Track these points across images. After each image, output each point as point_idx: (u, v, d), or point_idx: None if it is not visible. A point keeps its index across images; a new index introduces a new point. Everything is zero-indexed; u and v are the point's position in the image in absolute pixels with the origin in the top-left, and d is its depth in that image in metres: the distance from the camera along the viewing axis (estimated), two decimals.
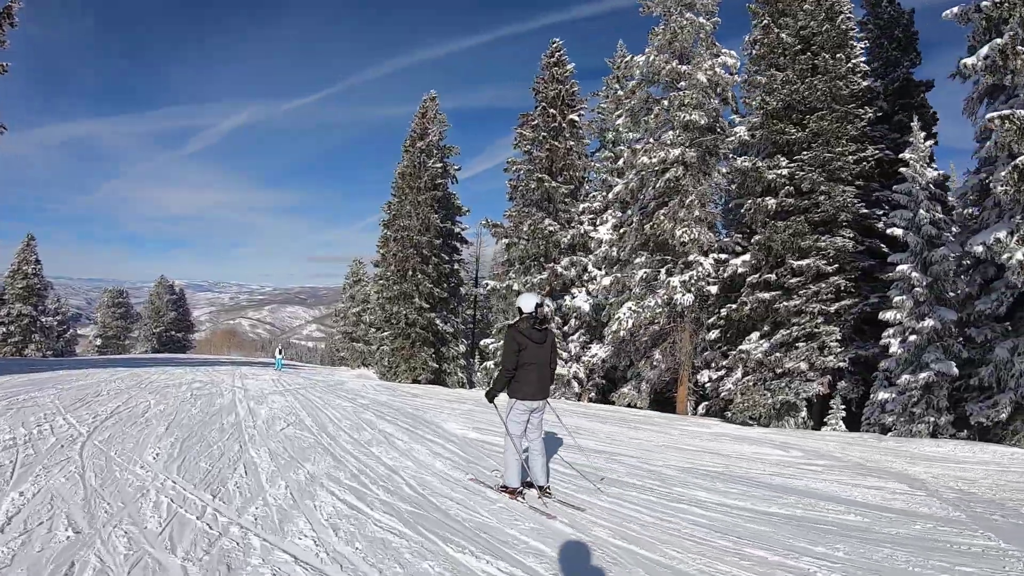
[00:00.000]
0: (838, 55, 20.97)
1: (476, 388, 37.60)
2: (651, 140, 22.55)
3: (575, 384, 28.87)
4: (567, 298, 29.87)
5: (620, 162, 24.28)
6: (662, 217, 21.67)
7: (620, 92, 32.39)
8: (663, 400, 25.16)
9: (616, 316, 22.18)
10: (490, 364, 31.17)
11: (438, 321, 34.66)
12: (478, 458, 9.23)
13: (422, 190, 35.03)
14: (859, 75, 21.77)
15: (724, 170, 23.12)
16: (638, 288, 22.10)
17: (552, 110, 30.47)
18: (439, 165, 35.89)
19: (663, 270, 22.29)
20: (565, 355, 29.09)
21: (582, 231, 30.33)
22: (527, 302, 6.64)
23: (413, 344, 34.06)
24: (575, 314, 30.04)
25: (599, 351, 24.94)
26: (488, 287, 30.99)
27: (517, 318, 6.78)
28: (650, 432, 15.17)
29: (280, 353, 43.55)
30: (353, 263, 61.03)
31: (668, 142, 21.98)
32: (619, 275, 23.26)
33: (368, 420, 12.83)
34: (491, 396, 6.81)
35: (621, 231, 23.79)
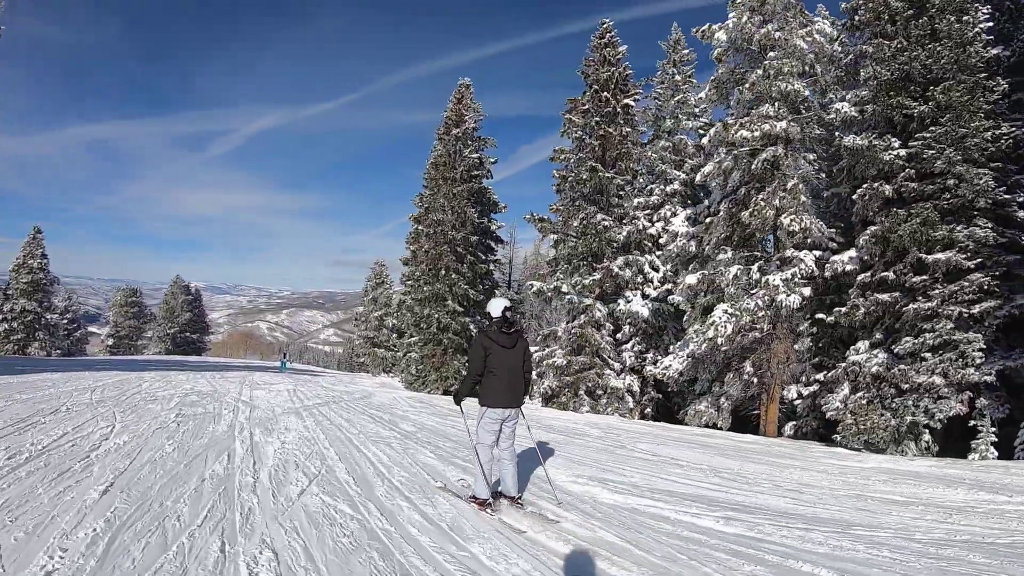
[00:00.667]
0: (964, 18, 17.54)
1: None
2: (748, 114, 19.11)
3: (629, 399, 25.52)
4: (620, 302, 26.54)
5: (705, 140, 20.65)
6: (762, 203, 18.18)
7: (677, 77, 29.35)
8: (738, 419, 21.70)
9: (710, 320, 18.49)
10: (532, 374, 27.86)
11: (472, 326, 31.32)
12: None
13: (457, 181, 31.60)
14: (982, 44, 18.32)
15: (815, 155, 19.76)
16: (732, 287, 18.61)
17: (605, 93, 27.13)
18: (475, 155, 32.47)
19: (754, 267, 18.85)
20: (618, 366, 25.83)
21: (639, 227, 27.04)
22: (495, 307, 6.63)
23: (445, 351, 30.60)
24: (629, 320, 26.78)
25: (672, 362, 21.41)
26: (533, 288, 27.49)
27: (488, 324, 6.69)
28: (797, 470, 11.50)
29: (285, 357, 45.56)
30: (375, 265, 58.62)
31: (770, 115, 18.53)
32: (704, 273, 19.69)
33: (430, 466, 9.04)
34: (457, 399, 6.75)
35: (707, 221, 20.16)
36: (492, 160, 33.49)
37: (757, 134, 18.14)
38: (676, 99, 29.11)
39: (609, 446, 13.45)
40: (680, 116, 29.09)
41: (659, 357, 26.50)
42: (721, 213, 19.60)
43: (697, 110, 29.20)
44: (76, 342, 63.51)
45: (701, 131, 28.86)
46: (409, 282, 32.49)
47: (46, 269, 54.01)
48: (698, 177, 20.08)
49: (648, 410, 27.10)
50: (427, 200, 32.50)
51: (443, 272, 30.71)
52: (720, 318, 17.97)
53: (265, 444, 9.54)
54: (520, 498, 6.67)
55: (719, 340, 17.91)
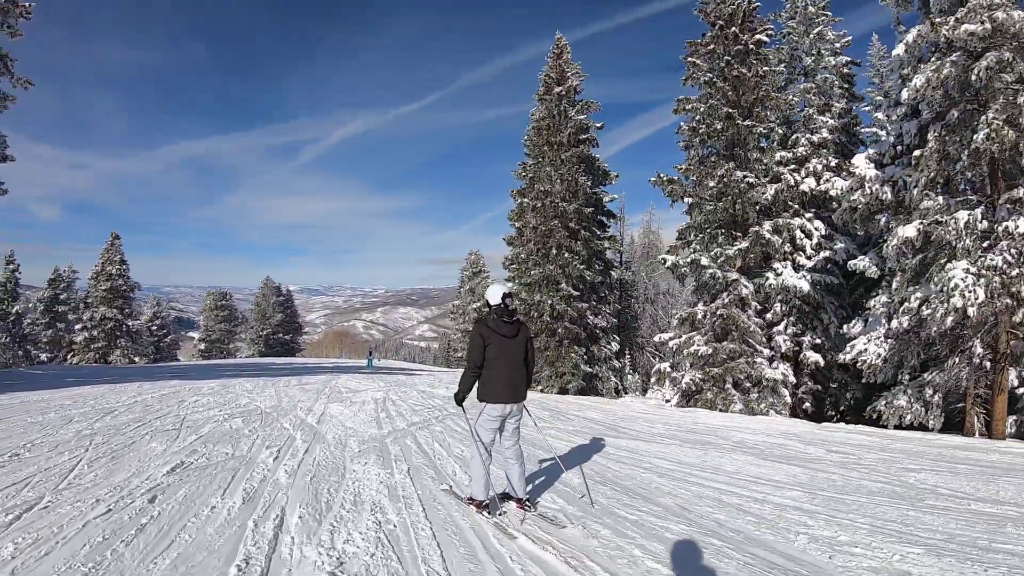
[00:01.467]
0: None
1: (632, 396, 30.22)
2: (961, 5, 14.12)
3: (784, 391, 20.93)
4: (769, 275, 22.06)
5: (898, 51, 15.33)
6: (997, 122, 13.16)
7: (811, 8, 24.91)
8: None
9: (949, 284, 13.43)
10: (665, 366, 23.51)
11: (589, 314, 27.01)
12: None
13: (564, 146, 27.38)
14: None
15: None
16: (967, 240, 13.68)
17: (732, 29, 22.66)
18: (581, 117, 28.06)
19: (977, 212, 13.88)
20: (767, 352, 21.28)
21: (790, 183, 22.36)
22: (493, 293, 6.07)
23: (560, 343, 26.42)
24: (780, 297, 22.26)
25: (869, 345, 16.55)
26: (666, 263, 23.03)
27: (486, 312, 6.20)
28: None
29: (371, 354, 45.81)
30: (471, 254, 55.02)
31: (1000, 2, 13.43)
32: (921, 224, 14.62)
33: None
34: (459, 398, 6.18)
35: (918, 155, 15.00)
36: (598, 125, 28.87)
37: (988, 27, 13.16)
38: (815, 32, 24.59)
39: (876, 482, 8.49)
40: (822, 52, 24.63)
41: (819, 339, 22.52)
42: (931, 144, 14.65)
43: (838, 45, 24.58)
44: (167, 348, 62.69)
45: (846, 69, 25.20)
46: (513, 266, 28.17)
47: (126, 275, 52.64)
48: (904, 94, 14.90)
49: (806, 404, 22.56)
50: (531, 170, 28.22)
51: (554, 251, 26.57)
52: (963, 281, 13.05)
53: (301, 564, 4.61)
54: (527, 500, 6.13)
55: (971, 310, 12.96)
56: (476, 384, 6.01)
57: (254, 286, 76.01)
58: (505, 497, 6.31)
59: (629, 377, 33.84)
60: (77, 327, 50.30)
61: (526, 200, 27.52)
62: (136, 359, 51.13)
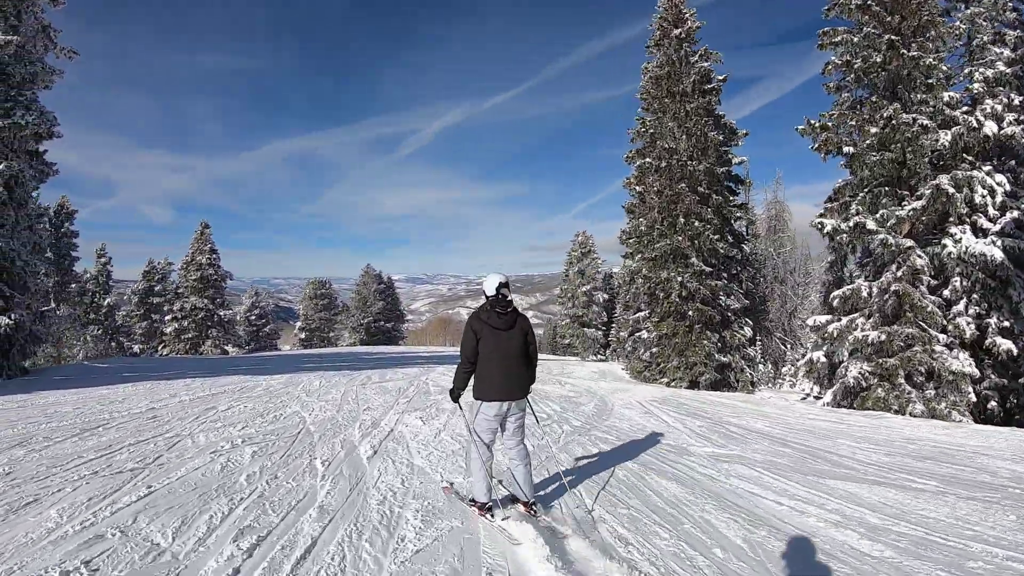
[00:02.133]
0: None
1: (767, 390, 26.51)
2: None
3: (966, 387, 16.77)
4: (947, 242, 17.83)
5: None
6: None
7: None
8: None
9: None
10: (818, 355, 19.51)
11: (723, 295, 23.08)
12: None
13: (688, 96, 23.39)
14: None
15: None
16: None
17: None
18: (704, 64, 23.82)
19: None
20: (944, 337, 17.10)
21: (971, 126, 18.02)
22: (489, 284, 5.71)
23: (691, 328, 22.57)
24: (960, 268, 18.08)
25: None
26: (824, 229, 18.74)
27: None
28: None
29: None
30: (579, 234, 51.14)
31: None
32: None
33: None
34: (454, 395, 5.91)
35: None
36: (721, 78, 24.57)
37: None
38: None
39: None
40: None
41: (1006, 322, 18.27)
42: None
43: None
44: (266, 337, 62.03)
45: None
46: (631, 240, 24.30)
47: (216, 265, 51.24)
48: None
49: (992, 404, 18.40)
50: (650, 125, 24.30)
51: (682, 219, 22.72)
52: None
53: None
54: (534, 504, 5.77)
55: None
56: (472, 381, 5.72)
57: (359, 276, 74.51)
58: (513, 500, 5.96)
59: (760, 367, 29.78)
60: (167, 317, 49.53)
61: (647, 161, 23.63)
62: (229, 348, 50.05)
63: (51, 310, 37.74)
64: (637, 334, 25.35)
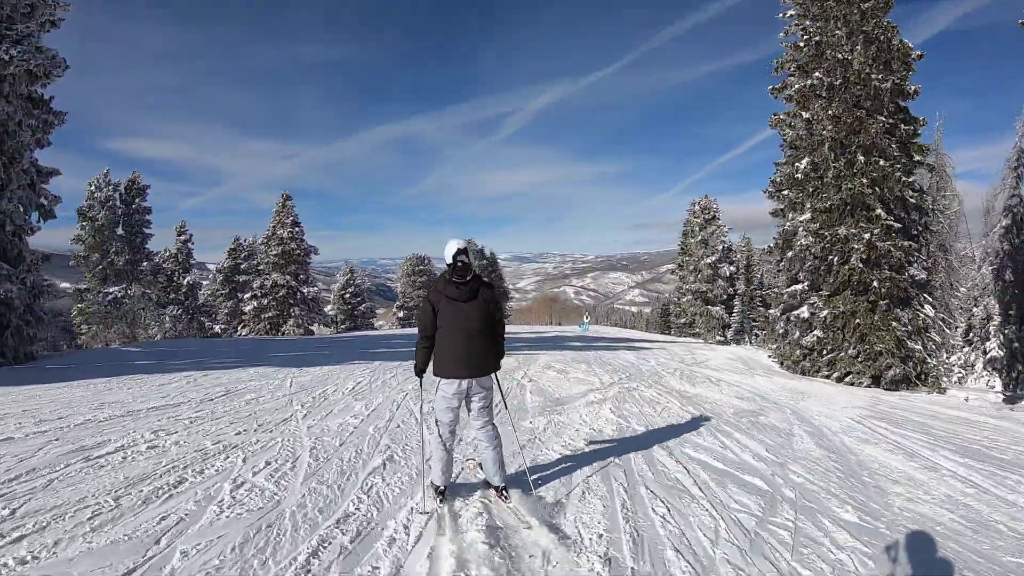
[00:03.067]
0: None
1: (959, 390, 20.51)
2: None
3: None
4: None
5: None
6: None
7: None
8: None
9: None
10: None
11: (910, 260, 16.80)
12: None
13: None
14: None
15: None
16: None
17: None
18: None
19: None
20: None
21: None
22: (447, 250, 5.11)
23: (874, 305, 16.28)
24: None
25: None
26: None
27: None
28: None
29: (587, 318, 48.14)
30: (698, 201, 44.74)
31: None
32: None
33: None
34: (416, 370, 5.24)
35: None
36: None
37: None
38: None
39: None
40: None
41: None
42: None
43: None
44: (362, 316, 58.36)
45: None
46: (787, 191, 18.11)
47: (299, 239, 46.84)
48: None
49: None
50: (814, 32, 17.63)
51: (862, 156, 16.35)
52: None
53: None
54: (505, 489, 5.19)
55: None
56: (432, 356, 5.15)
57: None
58: (487, 484, 5.39)
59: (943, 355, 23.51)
60: (246, 295, 45.95)
61: (812, 81, 17.25)
62: (315, 328, 46.43)
63: (122, 290, 35.13)
64: (793, 312, 19.30)
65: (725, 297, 42.18)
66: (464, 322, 4.95)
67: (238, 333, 45.39)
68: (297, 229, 47.23)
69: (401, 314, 65.72)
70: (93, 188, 35.03)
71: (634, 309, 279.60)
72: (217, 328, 44.82)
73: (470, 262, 5.06)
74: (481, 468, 5.44)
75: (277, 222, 47.08)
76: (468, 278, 5.02)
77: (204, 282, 47.78)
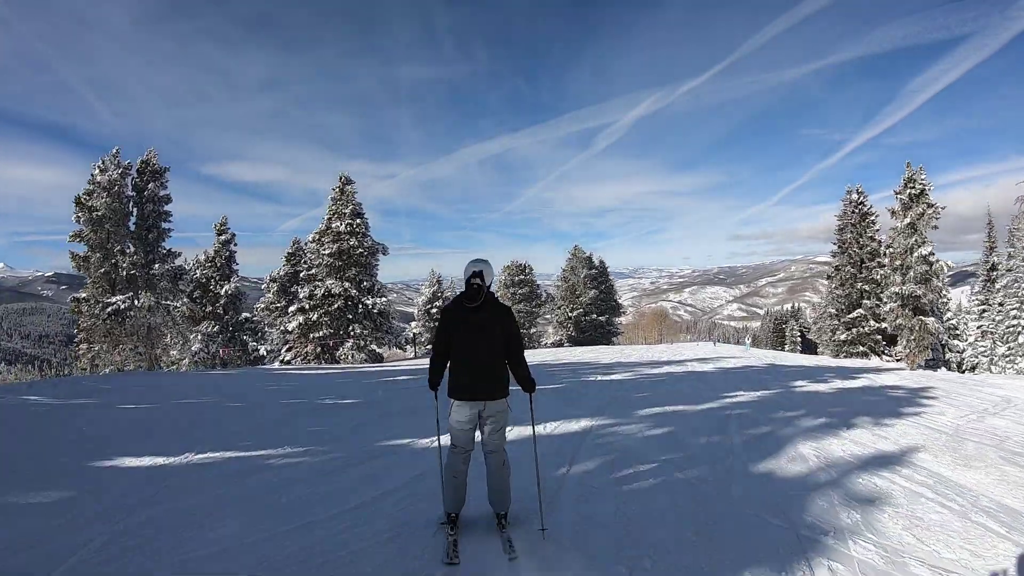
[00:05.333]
0: None
1: None
2: None
3: None
4: None
5: None
6: None
7: None
8: None
9: None
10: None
11: None
12: None
13: None
14: None
15: None
16: None
17: None
18: None
19: None
20: None
21: None
22: (465, 270, 4.92)
23: None
24: None
25: None
26: None
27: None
28: None
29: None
30: (851, 193, 33.51)
31: None
32: None
33: None
34: (430, 383, 5.04)
35: None
36: None
37: None
38: None
39: None
40: None
41: None
42: None
43: None
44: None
45: None
46: None
47: (361, 233, 35.37)
48: None
49: None
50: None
51: None
52: None
53: None
54: (504, 516, 4.98)
55: None
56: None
57: (565, 260, 59.67)
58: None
59: None
60: (291, 309, 34.75)
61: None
62: (383, 350, 35.20)
63: (128, 299, 26.15)
64: None
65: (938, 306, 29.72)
66: (474, 345, 4.72)
67: (280, 357, 35.10)
68: (359, 222, 35.14)
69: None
70: (96, 172, 26.11)
71: (735, 324, 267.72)
72: (263, 350, 34.49)
73: (484, 284, 4.78)
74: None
75: (333, 213, 35.46)
76: (479, 300, 4.77)
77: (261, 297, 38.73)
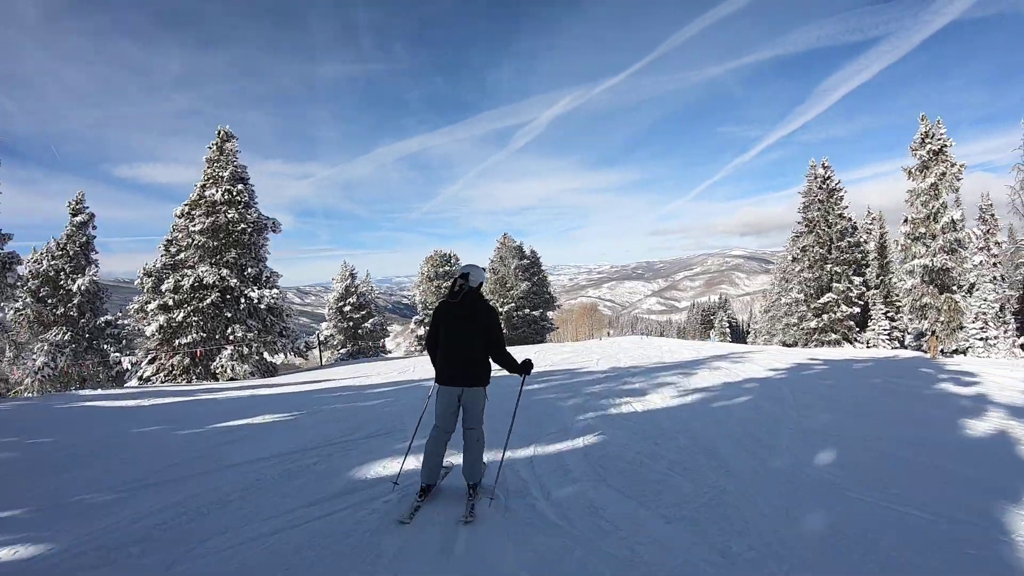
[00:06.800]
0: None
1: None
2: None
3: None
4: None
5: None
6: None
7: None
8: None
9: None
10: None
11: None
12: None
13: None
14: None
15: None
16: None
17: None
18: None
19: None
20: None
21: None
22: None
23: None
24: None
25: None
26: None
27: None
28: None
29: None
30: (824, 159, 29.32)
31: None
32: None
33: None
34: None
35: None
36: None
37: None
38: None
39: None
40: None
41: None
42: None
43: None
44: (368, 335, 41.79)
45: None
46: None
47: (245, 203, 26.21)
48: None
49: None
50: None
51: None
52: None
53: None
54: (474, 486, 5.29)
55: None
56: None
57: (494, 250, 53.24)
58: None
59: None
60: (150, 307, 25.26)
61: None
62: (278, 359, 26.40)
63: None
64: None
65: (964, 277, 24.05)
66: (454, 337, 5.12)
67: (140, 372, 25.56)
68: (241, 188, 25.88)
69: (421, 331, 47.78)
70: None
71: (653, 316, 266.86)
72: (126, 363, 25.48)
73: (467, 283, 5.23)
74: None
75: (208, 177, 26.17)
76: (460, 298, 5.22)
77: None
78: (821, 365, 15.44)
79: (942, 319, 22.71)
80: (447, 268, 48.89)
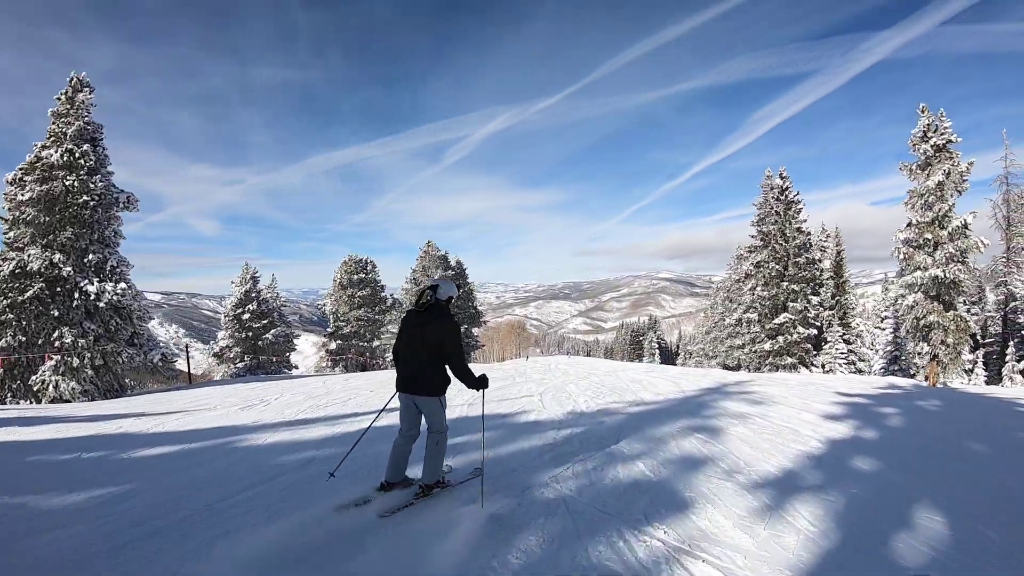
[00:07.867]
0: None
1: None
2: None
3: None
4: None
5: None
6: None
7: None
8: None
9: None
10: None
11: None
12: None
13: None
14: None
15: None
16: None
17: None
18: None
19: None
20: None
21: None
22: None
23: None
24: None
25: None
26: None
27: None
28: None
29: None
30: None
31: None
32: None
33: None
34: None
35: None
36: None
37: None
38: None
39: None
40: None
41: None
42: None
43: None
44: (272, 348, 36.25)
45: None
46: None
47: (88, 168, 19.83)
48: None
49: None
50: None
51: None
52: None
53: None
54: (425, 487, 5.49)
55: None
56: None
57: (417, 259, 48.22)
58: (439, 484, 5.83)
59: None
60: None
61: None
62: (129, 376, 20.63)
63: None
64: None
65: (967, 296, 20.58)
66: (410, 346, 5.29)
67: None
68: (87, 149, 19.88)
69: (333, 346, 42.61)
70: None
71: (579, 336, 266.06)
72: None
73: (436, 297, 5.39)
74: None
75: (50, 135, 20.11)
76: (423, 311, 5.38)
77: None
78: (892, 410, 10.87)
79: (949, 340, 19.14)
80: (362, 276, 43.25)
